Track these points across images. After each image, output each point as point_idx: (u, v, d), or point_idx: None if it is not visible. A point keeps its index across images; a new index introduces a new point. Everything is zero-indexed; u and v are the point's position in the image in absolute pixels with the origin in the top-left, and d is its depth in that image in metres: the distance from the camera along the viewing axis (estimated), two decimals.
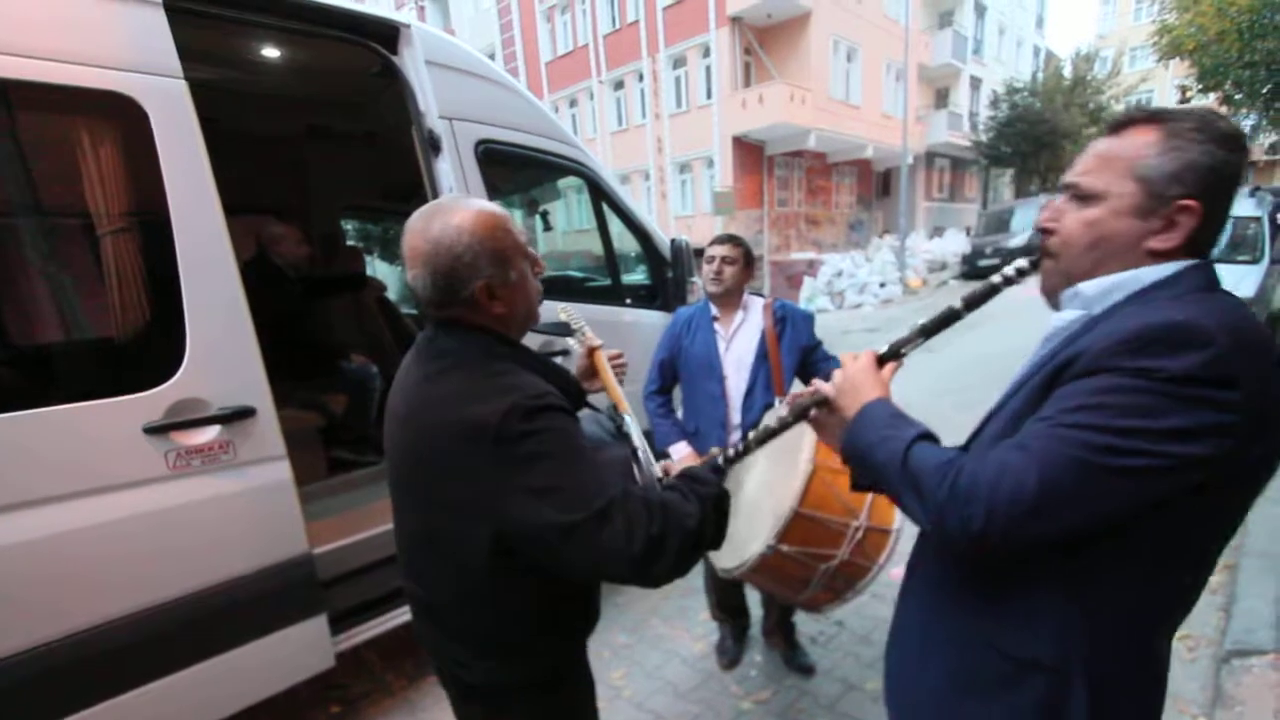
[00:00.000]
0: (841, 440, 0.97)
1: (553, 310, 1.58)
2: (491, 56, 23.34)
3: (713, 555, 1.82)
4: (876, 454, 0.88)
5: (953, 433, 0.97)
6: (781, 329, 2.21)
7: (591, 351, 1.41)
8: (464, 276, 1.00)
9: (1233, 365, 0.70)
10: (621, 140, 21.39)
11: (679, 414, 2.41)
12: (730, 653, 2.57)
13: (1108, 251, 0.83)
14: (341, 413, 3.22)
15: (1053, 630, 0.83)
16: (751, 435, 1.19)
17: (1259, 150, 18.47)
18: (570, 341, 1.50)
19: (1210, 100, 11.66)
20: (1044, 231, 0.91)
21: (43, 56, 1.52)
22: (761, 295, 2.32)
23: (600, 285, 3.75)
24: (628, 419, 1.26)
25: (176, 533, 1.73)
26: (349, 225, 5.17)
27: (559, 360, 1.48)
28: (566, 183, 3.54)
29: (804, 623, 2.66)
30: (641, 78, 20.05)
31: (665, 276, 3.36)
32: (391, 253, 5.98)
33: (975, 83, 25.97)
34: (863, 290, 14.13)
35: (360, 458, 3.03)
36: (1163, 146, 0.79)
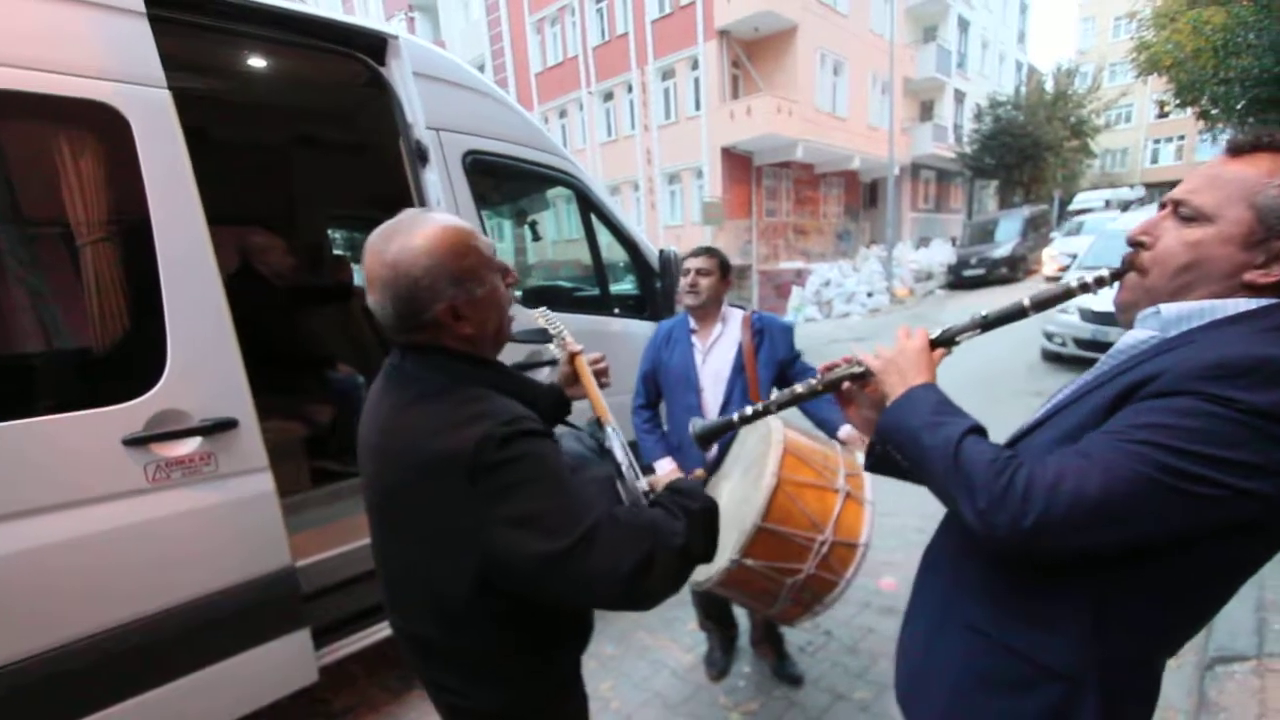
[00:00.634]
0: (881, 418, 0.93)
1: (532, 317, 1.58)
2: (481, 67, 23.44)
3: None
4: (922, 439, 0.85)
5: None
6: (759, 341, 2.21)
7: (572, 357, 1.39)
8: (424, 300, 0.95)
9: None
10: (611, 151, 21.49)
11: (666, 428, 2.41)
12: (719, 663, 2.56)
13: (1201, 276, 0.81)
14: (326, 423, 3.20)
15: (1073, 640, 0.83)
16: (773, 397, 1.15)
17: None
18: (553, 349, 1.49)
19: (1187, 115, 11.92)
20: (1135, 245, 0.88)
21: (23, 65, 1.50)
22: (742, 307, 2.33)
23: (589, 295, 3.75)
24: (610, 432, 1.23)
25: (156, 546, 1.70)
26: (336, 235, 5.15)
27: (546, 370, 1.47)
28: (556, 192, 3.55)
29: (792, 633, 2.65)
30: (631, 89, 20.19)
31: (654, 287, 3.36)
32: None
33: (959, 96, 26.39)
34: (850, 300, 14.24)
35: (345, 469, 3.00)
36: None
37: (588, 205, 3.21)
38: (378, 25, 2.31)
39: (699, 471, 1.98)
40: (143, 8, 1.68)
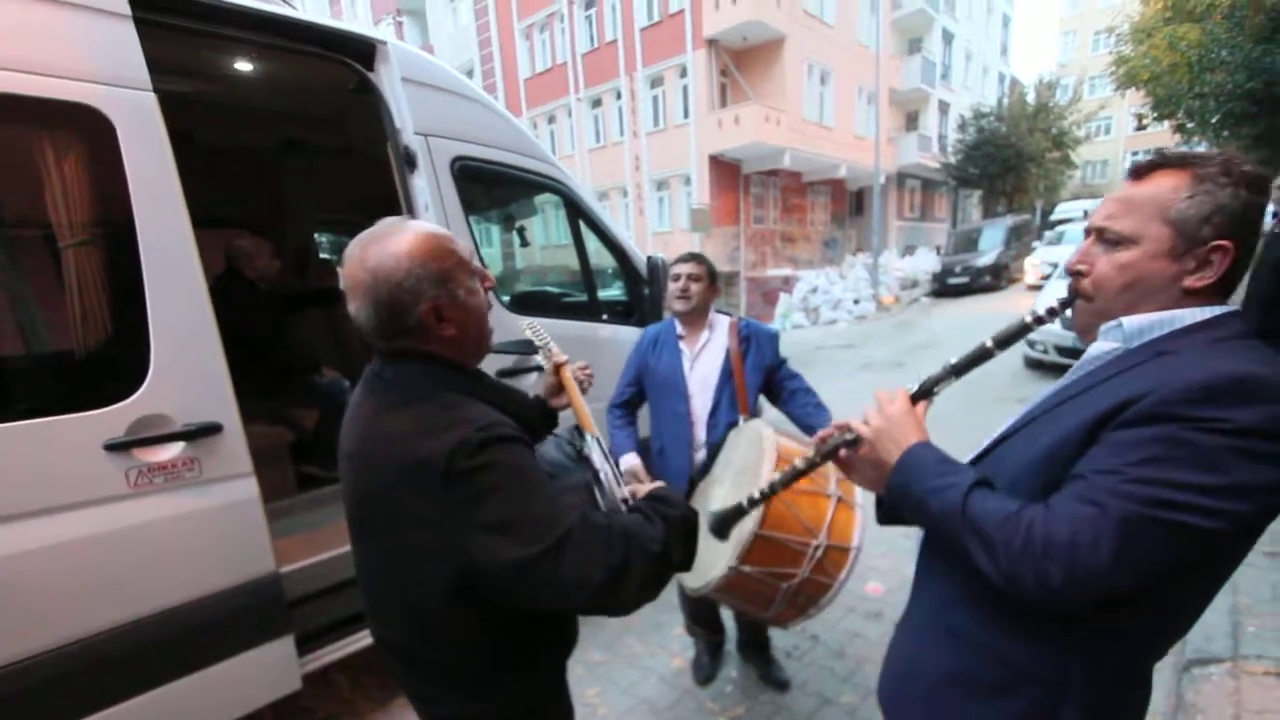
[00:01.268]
0: (885, 485, 0.96)
1: (518, 328, 1.58)
2: (470, 73, 23.46)
3: (681, 574, 1.83)
4: (930, 504, 0.88)
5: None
6: (746, 348, 2.22)
7: (558, 368, 1.40)
8: (407, 303, 0.96)
9: None
10: (600, 157, 21.55)
11: (643, 430, 2.41)
12: (706, 669, 2.56)
13: (1143, 291, 0.85)
14: (312, 428, 3.17)
15: (1056, 646, 0.85)
16: (778, 477, 1.19)
17: None
18: (539, 360, 1.49)
19: (1164, 128, 12.18)
20: (1074, 274, 0.93)
21: (4, 67, 1.49)
22: (728, 314, 2.35)
23: (577, 301, 3.76)
24: (590, 439, 1.24)
25: (137, 552, 1.68)
26: (323, 239, 5.12)
27: (534, 377, 1.48)
28: (544, 198, 3.56)
29: (779, 638, 2.66)
30: (619, 96, 20.28)
31: (641, 293, 3.38)
32: None
33: (944, 107, 26.77)
34: (837, 306, 14.36)
35: (331, 474, 2.98)
36: (1192, 190, 0.82)
37: (576, 211, 3.22)
38: (366, 30, 2.31)
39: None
40: (128, 10, 1.67)
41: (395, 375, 1.01)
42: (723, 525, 1.31)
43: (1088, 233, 0.92)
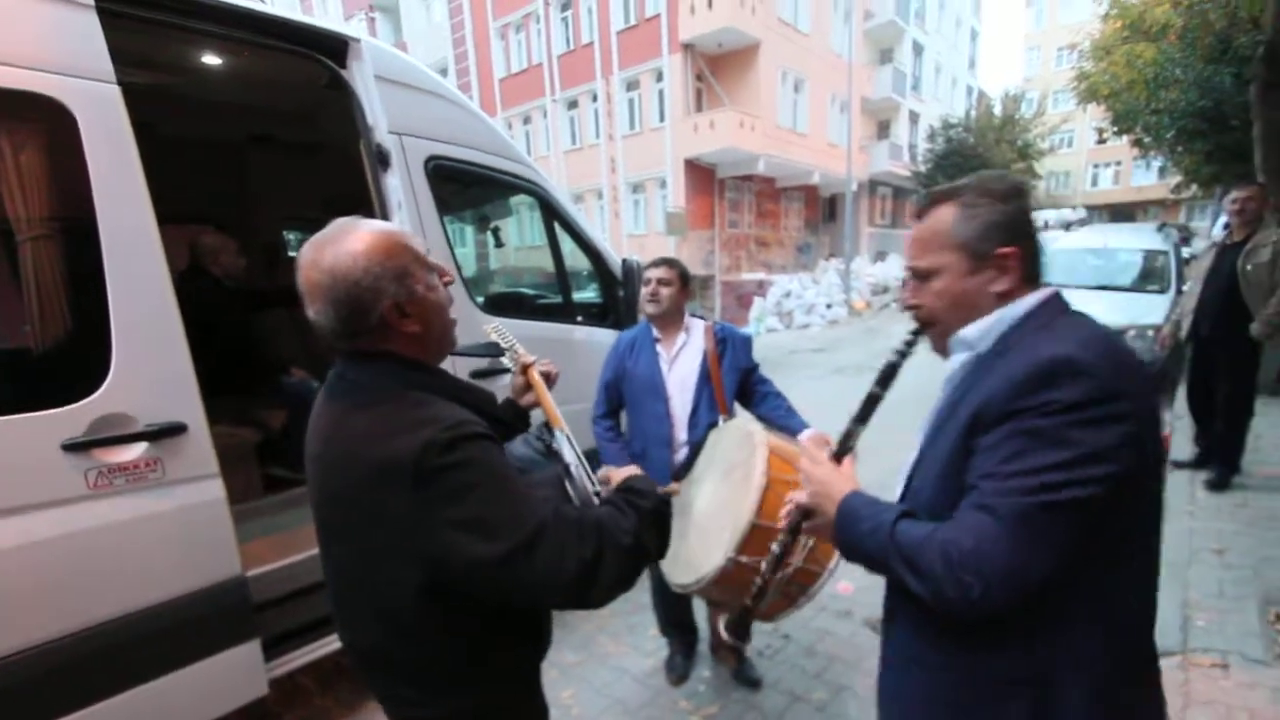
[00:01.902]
0: (836, 544, 1.01)
1: (484, 331, 1.58)
2: (444, 71, 23.20)
3: (668, 573, 1.84)
4: (868, 546, 0.93)
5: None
6: (723, 350, 2.27)
7: (525, 369, 1.40)
8: (368, 301, 0.95)
9: (1113, 382, 0.81)
10: (575, 159, 21.52)
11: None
12: (679, 668, 2.58)
13: (966, 307, 0.97)
14: (279, 429, 3.11)
15: (1021, 648, 0.88)
16: (766, 566, 1.24)
17: (1165, 189, 20.03)
18: (505, 362, 1.49)
19: (1123, 142, 12.62)
20: (912, 308, 1.05)
21: None
22: (703, 318, 2.38)
23: (552, 303, 3.75)
24: (559, 435, 1.24)
25: (97, 555, 1.63)
26: (292, 237, 5.02)
27: (509, 378, 1.48)
28: (519, 199, 3.55)
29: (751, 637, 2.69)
30: (595, 98, 20.29)
31: (616, 295, 3.39)
32: None
33: (914, 117, 27.36)
34: (810, 311, 14.57)
35: (299, 475, 2.91)
36: (962, 215, 0.96)
37: (551, 213, 3.22)
38: (338, 27, 2.28)
39: (673, 486, 2.02)
40: (90, 0, 1.63)
41: (359, 376, 1.00)
42: (739, 626, 1.37)
43: (908, 270, 1.05)
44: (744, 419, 2.00)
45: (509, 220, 4.40)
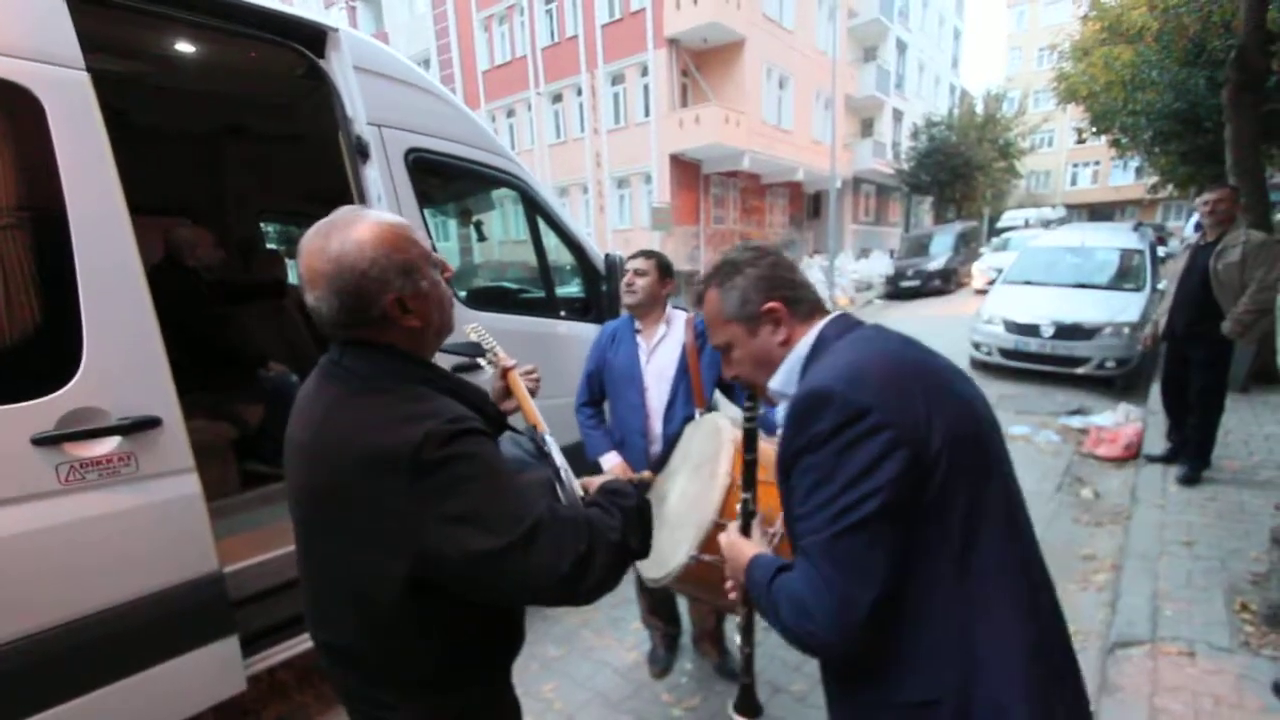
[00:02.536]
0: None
1: (464, 330, 1.57)
2: (427, 62, 22.96)
3: (640, 565, 1.85)
4: (763, 607, 1.00)
5: None
6: (703, 343, 2.26)
7: (505, 372, 1.39)
8: (373, 293, 0.95)
9: (856, 400, 0.86)
10: (560, 153, 21.42)
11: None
12: (661, 661, 2.59)
13: (766, 363, 1.08)
14: (257, 423, 3.07)
15: (928, 669, 0.88)
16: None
17: (1142, 189, 20.41)
18: (484, 363, 1.49)
19: (1101, 142, 12.82)
20: (734, 379, 1.17)
21: None
22: (685, 310, 2.39)
23: (535, 297, 3.74)
24: (548, 438, 1.25)
25: (69, 551, 1.60)
26: (269, 229, 4.95)
27: (488, 373, 1.47)
28: (502, 193, 3.53)
29: (733, 630, 2.71)
30: (580, 92, 20.19)
31: (599, 290, 3.38)
32: None
33: (898, 115, 27.57)
34: None
35: (277, 470, 2.89)
36: (722, 294, 1.09)
37: (533, 207, 3.21)
38: (317, 16, 2.25)
39: (646, 474, 2.02)
40: None
41: (357, 364, 0.99)
42: (749, 707, 1.45)
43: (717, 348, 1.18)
44: (717, 415, 2.01)
45: (491, 214, 4.38)
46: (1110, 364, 6.23)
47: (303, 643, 2.13)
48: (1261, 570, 2.83)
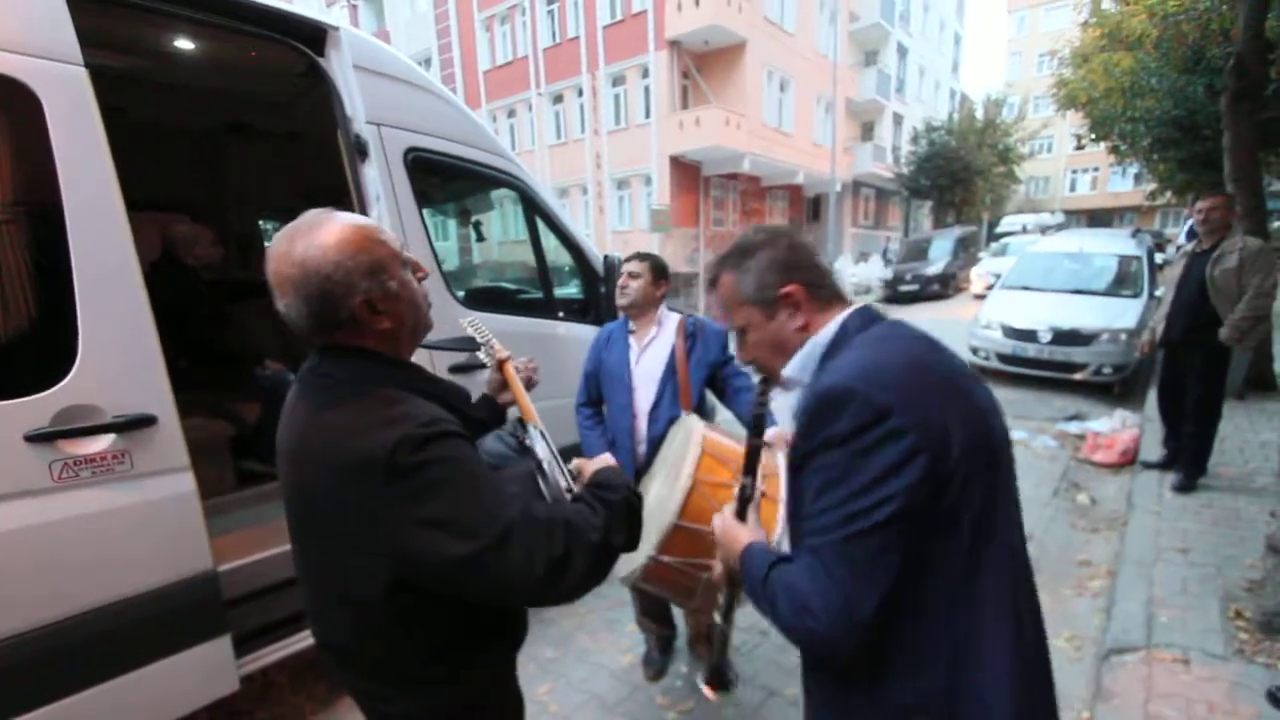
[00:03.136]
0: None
1: (460, 325, 1.57)
2: (428, 62, 22.96)
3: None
4: (757, 598, 0.98)
5: None
6: (692, 344, 2.28)
7: (501, 364, 1.40)
8: (339, 296, 0.94)
9: (877, 402, 0.82)
10: (560, 153, 21.42)
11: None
12: (656, 664, 2.59)
13: (782, 349, 1.04)
14: (254, 422, 3.06)
15: (913, 674, 0.88)
16: (721, 599, 1.26)
17: (1140, 196, 20.48)
18: (481, 356, 1.49)
19: (1100, 148, 12.84)
20: (748, 363, 1.13)
21: None
22: (679, 312, 2.40)
23: (533, 298, 3.74)
24: (533, 430, 1.24)
25: (61, 548, 1.59)
26: (269, 226, 4.94)
27: (487, 372, 1.47)
28: (501, 193, 3.52)
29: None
30: (581, 93, 20.20)
31: (598, 291, 3.38)
32: None
33: (898, 119, 27.62)
34: None
35: (273, 469, 2.87)
36: (738, 276, 1.05)
37: (532, 208, 3.20)
38: (318, 15, 2.24)
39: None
40: None
41: (332, 371, 0.99)
42: (720, 677, 1.43)
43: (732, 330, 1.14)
44: (692, 417, 2.01)
45: (491, 214, 4.38)
46: (1107, 370, 6.24)
47: (297, 643, 2.13)
48: (1256, 578, 2.83)
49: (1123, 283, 7.13)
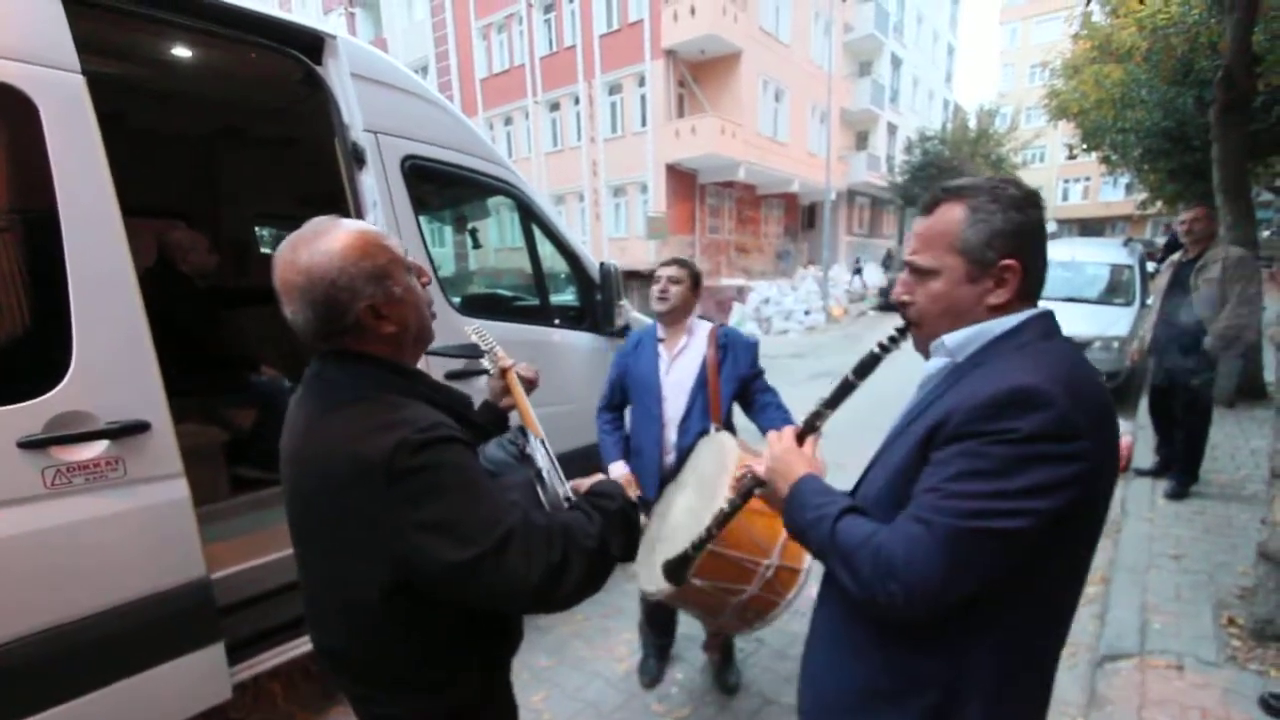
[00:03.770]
0: (783, 520, 1.03)
1: (464, 332, 1.57)
2: (425, 70, 23.02)
3: (639, 575, 1.84)
4: (810, 538, 0.96)
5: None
6: (723, 356, 2.23)
7: (504, 372, 1.41)
8: (344, 302, 0.95)
9: (1072, 419, 0.80)
10: (556, 161, 21.47)
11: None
12: (652, 671, 2.58)
13: (957, 313, 0.95)
14: (249, 428, 3.06)
15: (940, 652, 0.90)
16: (712, 520, 1.24)
17: (1132, 205, 20.65)
18: (485, 364, 1.50)
19: (1092, 158, 12.96)
20: (902, 305, 1.02)
21: None
22: (710, 320, 2.36)
23: (529, 305, 3.74)
24: (533, 439, 1.25)
25: (54, 555, 1.59)
26: (264, 233, 4.93)
27: (485, 379, 1.48)
28: (498, 200, 3.54)
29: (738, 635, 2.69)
30: (577, 101, 20.28)
31: (594, 298, 3.39)
32: None
33: (892, 129, 27.82)
34: (789, 317, 14.71)
35: (268, 475, 2.87)
36: (970, 219, 0.91)
37: (528, 215, 3.21)
38: (316, 22, 2.26)
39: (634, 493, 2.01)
40: None
41: (336, 375, 1.00)
42: (674, 571, 1.36)
43: (905, 264, 1.01)
44: (726, 435, 2.00)
45: (487, 221, 4.38)
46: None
47: (290, 650, 2.11)
48: (1248, 584, 2.84)
49: (1115, 291, 7.19)
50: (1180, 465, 4.04)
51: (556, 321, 3.36)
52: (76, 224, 1.60)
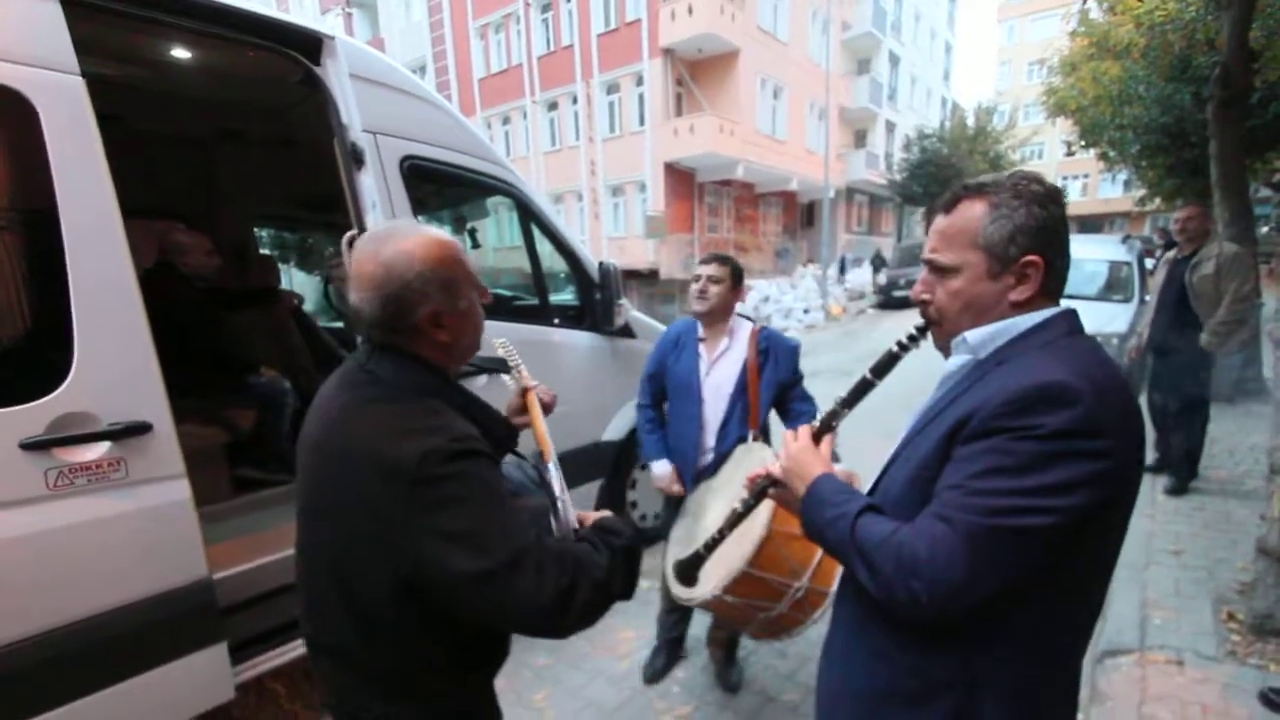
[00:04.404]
0: (801, 520, 1.03)
1: (492, 345, 1.58)
2: (422, 70, 23.01)
3: (670, 576, 1.84)
4: (828, 536, 0.96)
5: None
6: (764, 361, 2.18)
7: (525, 392, 1.42)
8: (412, 303, 0.99)
9: (1099, 416, 0.80)
10: (555, 160, 21.48)
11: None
12: (653, 668, 2.58)
13: (978, 310, 0.94)
14: (249, 429, 3.05)
15: (958, 654, 0.90)
16: (724, 522, 1.25)
17: (1130, 202, 20.67)
18: (507, 380, 1.51)
19: (1090, 155, 12.97)
20: (921, 303, 1.02)
21: None
22: (751, 320, 2.31)
23: (529, 305, 3.74)
24: (551, 467, 1.25)
25: (56, 556, 1.59)
26: (263, 234, 4.94)
27: (482, 379, 1.48)
28: (498, 200, 3.54)
29: (742, 637, 2.70)
30: (575, 100, 20.28)
31: (593, 298, 3.39)
32: (309, 263, 5.72)
33: (890, 126, 27.84)
34: (788, 315, 14.70)
35: (269, 476, 2.87)
36: (992, 215, 0.91)
37: (527, 215, 3.22)
38: (313, 23, 2.26)
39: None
40: None
41: (382, 370, 1.02)
42: (687, 571, 1.38)
43: (925, 263, 1.00)
44: (765, 448, 1.99)
45: (486, 221, 4.38)
46: None
47: (293, 650, 2.12)
48: (1248, 580, 2.85)
49: (1113, 288, 7.20)
50: (1179, 461, 4.05)
51: (556, 321, 3.36)
52: (77, 225, 1.61)
